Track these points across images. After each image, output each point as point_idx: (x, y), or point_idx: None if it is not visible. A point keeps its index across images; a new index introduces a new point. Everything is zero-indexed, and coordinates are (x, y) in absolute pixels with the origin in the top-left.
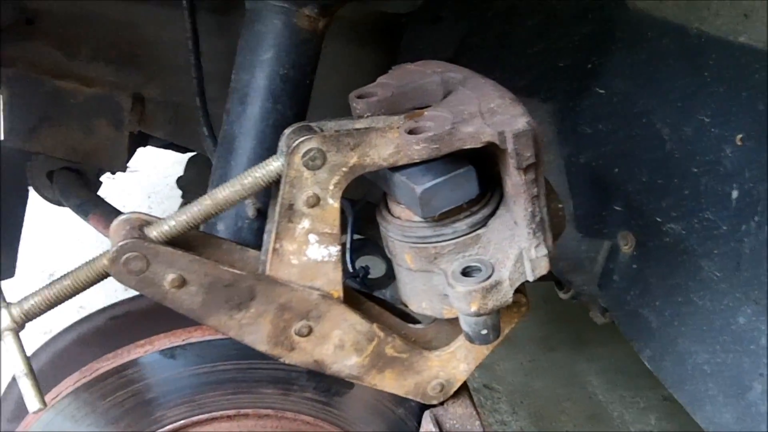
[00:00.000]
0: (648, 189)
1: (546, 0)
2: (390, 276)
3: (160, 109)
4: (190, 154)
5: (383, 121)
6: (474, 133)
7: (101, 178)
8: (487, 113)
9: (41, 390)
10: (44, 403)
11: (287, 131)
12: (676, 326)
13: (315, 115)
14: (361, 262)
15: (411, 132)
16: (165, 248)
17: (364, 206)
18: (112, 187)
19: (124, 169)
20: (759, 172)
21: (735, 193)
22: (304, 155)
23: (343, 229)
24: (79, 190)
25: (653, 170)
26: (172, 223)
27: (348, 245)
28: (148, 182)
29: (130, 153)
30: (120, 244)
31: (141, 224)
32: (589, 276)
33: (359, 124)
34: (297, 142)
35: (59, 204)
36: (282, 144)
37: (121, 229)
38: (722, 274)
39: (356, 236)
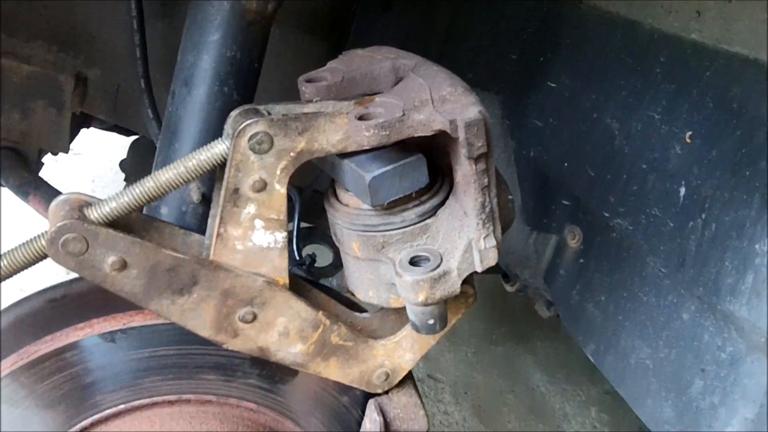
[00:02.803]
0: (596, 184)
1: None
2: (337, 265)
3: (103, 90)
4: (134, 138)
5: (332, 107)
6: (425, 121)
7: (43, 159)
8: (439, 101)
9: None
10: None
11: (233, 113)
12: (620, 321)
13: (262, 102)
14: (308, 251)
15: (361, 118)
16: (105, 230)
17: (311, 194)
18: (55, 171)
19: (66, 150)
20: (707, 169)
21: (682, 191)
22: (250, 139)
23: (290, 217)
24: (20, 170)
25: (601, 166)
26: (113, 204)
27: (294, 232)
28: (92, 166)
29: (72, 134)
30: (58, 224)
31: (81, 205)
32: (535, 270)
33: (308, 109)
34: (243, 124)
35: None
36: (228, 126)
37: (60, 210)
38: (667, 271)
39: (304, 224)
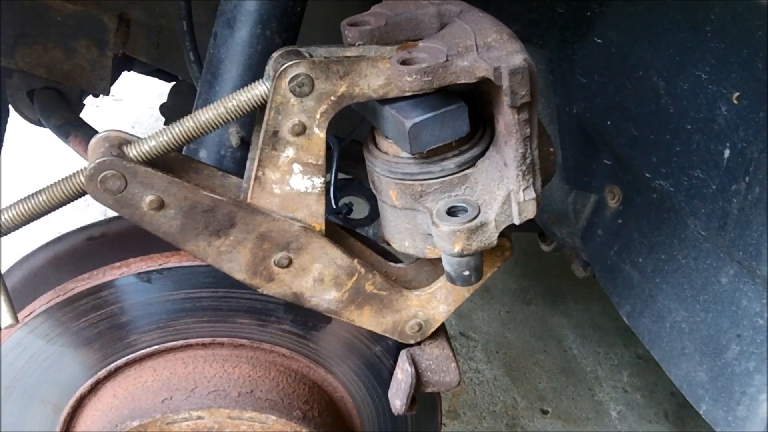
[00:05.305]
0: (639, 143)
1: None
2: (373, 217)
3: (145, 32)
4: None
5: (375, 51)
6: (468, 68)
7: (84, 101)
8: (483, 48)
9: (14, 306)
10: (17, 320)
11: (275, 55)
12: (657, 283)
13: (304, 46)
14: (344, 203)
15: (403, 63)
16: (144, 168)
17: (349, 144)
18: (96, 116)
19: (107, 92)
20: (753, 131)
21: (727, 152)
22: (291, 80)
23: (328, 166)
24: (61, 110)
25: (645, 125)
26: (152, 143)
27: (332, 181)
28: (132, 112)
29: (114, 77)
30: (97, 161)
31: (120, 142)
32: (573, 229)
33: (350, 52)
34: (284, 66)
35: (39, 124)
36: (269, 68)
37: (99, 147)
38: (707, 234)
39: (342, 176)
